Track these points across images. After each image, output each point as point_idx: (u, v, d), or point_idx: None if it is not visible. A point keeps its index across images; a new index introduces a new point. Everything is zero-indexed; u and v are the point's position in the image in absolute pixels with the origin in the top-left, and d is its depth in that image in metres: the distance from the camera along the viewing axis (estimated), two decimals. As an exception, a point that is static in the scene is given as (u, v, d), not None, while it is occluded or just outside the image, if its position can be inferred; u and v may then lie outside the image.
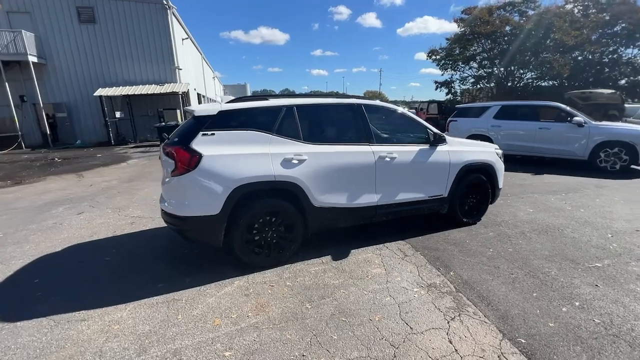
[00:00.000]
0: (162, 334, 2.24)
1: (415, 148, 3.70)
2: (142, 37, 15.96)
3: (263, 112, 3.11)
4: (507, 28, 16.81)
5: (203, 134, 2.85)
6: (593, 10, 16.06)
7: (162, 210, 3.08)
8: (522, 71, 17.17)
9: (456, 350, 2.05)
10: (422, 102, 19.26)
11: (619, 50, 15.54)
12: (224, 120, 2.94)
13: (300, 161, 3.07)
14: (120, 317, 2.43)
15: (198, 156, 2.77)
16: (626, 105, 11.61)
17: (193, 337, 2.20)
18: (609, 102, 10.13)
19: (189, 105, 16.77)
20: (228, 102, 3.15)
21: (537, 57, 15.12)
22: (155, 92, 15.29)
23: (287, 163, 3.02)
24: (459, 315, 2.40)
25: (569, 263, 3.22)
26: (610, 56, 15.32)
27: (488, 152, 4.23)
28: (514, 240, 3.77)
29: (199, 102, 22.49)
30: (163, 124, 14.15)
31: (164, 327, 2.30)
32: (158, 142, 14.64)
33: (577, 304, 2.54)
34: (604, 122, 7.99)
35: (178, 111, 15.74)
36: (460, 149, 3.96)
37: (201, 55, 26.26)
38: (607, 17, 14.91)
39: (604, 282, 2.87)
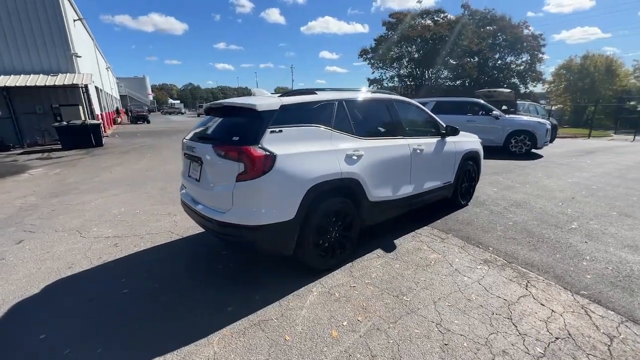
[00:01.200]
0: None
1: (434, 140, 4.02)
2: (24, 14, 12.47)
3: (322, 107, 2.94)
4: (428, 34, 19.29)
5: (271, 131, 2.53)
6: (481, 23, 19.82)
7: (215, 221, 2.62)
8: (439, 72, 20.04)
9: (553, 311, 2.40)
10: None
11: (504, 58, 19.79)
12: (286, 116, 2.67)
13: (359, 157, 3.01)
14: (214, 354, 2.02)
15: (273, 156, 2.46)
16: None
17: (324, 354, 2.00)
18: (506, 99, 12.69)
19: (89, 100, 13.95)
20: (282, 96, 2.86)
21: (451, 60, 17.87)
22: (47, 84, 12.19)
23: (349, 159, 2.93)
24: (528, 282, 2.79)
25: (555, 228, 4.00)
26: (499, 62, 19.34)
27: (476, 142, 4.89)
28: (506, 215, 4.47)
29: (98, 98, 18.93)
30: (64, 123, 11.49)
31: (282, 353, 2.02)
32: (60, 146, 11.84)
33: (587, 258, 3.23)
34: (512, 115, 9.97)
35: (81, 107, 12.98)
36: (460, 140, 4.46)
37: (93, 41, 22.06)
38: (491, 29, 18.62)
39: (587, 238, 3.69)
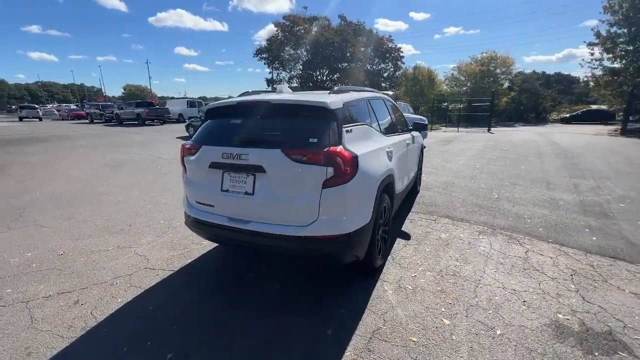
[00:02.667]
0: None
1: (409, 135, 4.51)
2: None
3: (363, 105, 2.89)
4: (322, 38, 20.30)
5: (347, 131, 2.35)
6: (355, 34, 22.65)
7: (293, 237, 2.24)
8: (328, 74, 21.46)
9: (550, 257, 3.20)
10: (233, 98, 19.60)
11: (378, 64, 23.40)
12: (346, 114, 2.52)
13: (391, 153, 3.13)
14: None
15: (356, 157, 2.29)
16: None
17: (462, 342, 2.09)
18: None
19: None
20: (333, 93, 2.64)
21: (338, 64, 19.50)
22: None
23: (388, 155, 3.02)
24: (518, 241, 3.58)
25: (487, 200, 5.18)
26: (373, 67, 22.71)
27: (421, 135, 5.72)
28: (450, 195, 5.46)
29: None
30: None
31: (427, 354, 1.98)
32: None
33: (526, 217, 4.38)
34: (407, 115, 11.91)
35: None
36: (418, 133, 5.14)
37: None
38: (363, 40, 21.58)
39: (511, 203, 4.96)
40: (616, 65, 22.27)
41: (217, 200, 2.57)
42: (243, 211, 2.46)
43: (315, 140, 2.26)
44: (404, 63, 28.71)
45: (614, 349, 2.01)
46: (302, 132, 2.35)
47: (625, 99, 21.46)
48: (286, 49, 21.32)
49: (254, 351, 2.03)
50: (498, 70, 37.59)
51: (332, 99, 2.43)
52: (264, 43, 23.20)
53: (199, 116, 19.72)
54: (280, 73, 23.12)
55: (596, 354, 1.98)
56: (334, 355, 1.99)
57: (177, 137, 14.99)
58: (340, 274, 2.91)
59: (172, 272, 3.01)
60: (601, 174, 6.98)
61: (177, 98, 43.98)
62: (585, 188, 5.81)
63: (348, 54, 17.43)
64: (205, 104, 30.46)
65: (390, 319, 2.31)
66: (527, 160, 8.83)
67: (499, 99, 33.73)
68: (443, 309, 2.41)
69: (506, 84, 38.11)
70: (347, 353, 2.00)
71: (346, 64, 18.44)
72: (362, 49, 18.19)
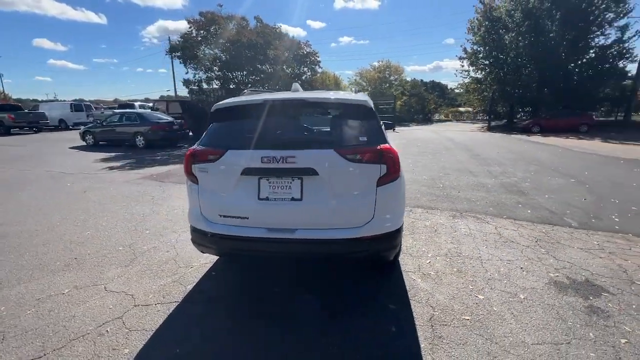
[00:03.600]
0: (494, 329, 2.17)
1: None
2: None
3: None
4: (244, 38, 18.92)
5: (385, 128, 2.36)
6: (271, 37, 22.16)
7: (345, 239, 2.14)
8: (248, 76, 20.18)
9: (513, 229, 3.86)
10: (158, 100, 16.89)
11: (299, 68, 23.37)
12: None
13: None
14: (456, 364, 1.88)
15: (397, 154, 2.33)
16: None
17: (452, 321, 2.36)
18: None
19: None
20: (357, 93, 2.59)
21: (260, 66, 18.56)
22: None
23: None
24: (486, 221, 4.20)
25: (444, 189, 5.91)
26: (295, 71, 22.63)
27: None
28: (411, 187, 6.00)
29: None
30: None
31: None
32: None
33: (479, 202, 5.17)
34: None
35: None
36: None
37: None
38: (279, 43, 21.37)
39: (456, 190, 5.77)
40: (479, 75, 28.01)
41: (253, 211, 2.26)
42: (288, 219, 2.23)
43: (365, 138, 2.22)
44: (321, 67, 30.03)
45: (598, 291, 2.59)
46: (350, 131, 2.28)
47: (487, 103, 27.04)
48: (202, 47, 19.56)
49: (335, 366, 1.89)
50: (392, 78, 42.67)
51: (364, 97, 2.43)
52: (175, 38, 20.85)
53: (92, 121, 16.53)
54: (197, 73, 21.18)
55: (590, 297, 2.51)
56: (411, 348, 2.01)
57: (71, 147, 12.27)
58: (360, 274, 2.91)
59: (177, 303, 2.51)
60: (499, 162, 8.69)
61: (54, 100, 35.78)
62: (496, 173, 7.16)
63: (271, 56, 16.99)
64: (98, 108, 25.33)
65: (436, 304, 2.45)
66: (442, 154, 10.31)
67: (395, 103, 38.38)
68: (471, 287, 2.67)
69: (399, 90, 43.51)
70: (422, 344, 2.04)
71: (266, 67, 18.01)
72: (282, 52, 18.07)
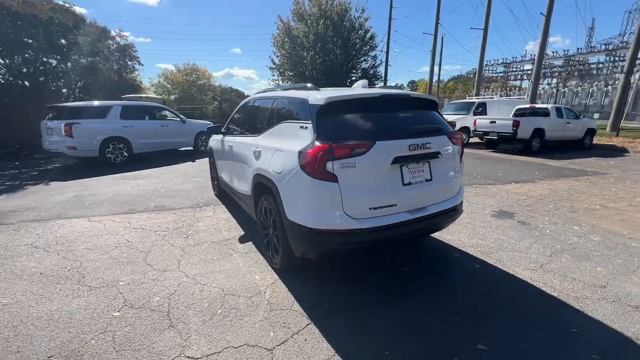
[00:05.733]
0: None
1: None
2: None
3: None
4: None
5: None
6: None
7: (448, 210, 2.72)
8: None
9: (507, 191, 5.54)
10: None
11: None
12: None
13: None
14: (527, 266, 2.98)
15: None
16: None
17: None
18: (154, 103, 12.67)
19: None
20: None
21: (44, 55, 11.95)
22: None
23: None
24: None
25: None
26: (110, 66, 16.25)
27: None
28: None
29: None
30: None
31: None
32: None
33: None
34: (192, 120, 11.10)
35: None
36: None
37: None
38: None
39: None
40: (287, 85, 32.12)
41: (399, 197, 2.42)
42: (423, 199, 2.56)
43: (449, 126, 2.87)
44: (142, 64, 24.09)
45: (512, 214, 4.46)
46: (433, 120, 2.81)
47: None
48: None
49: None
50: (201, 82, 41.06)
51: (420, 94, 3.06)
52: None
53: None
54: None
55: (513, 217, 4.32)
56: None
57: None
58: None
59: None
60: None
61: None
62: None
63: (58, 43, 11.31)
64: None
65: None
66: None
67: (206, 108, 37.38)
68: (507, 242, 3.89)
69: (210, 94, 42.58)
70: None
71: (54, 58, 12.21)
72: (79, 40, 12.87)
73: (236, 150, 3.69)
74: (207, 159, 9.59)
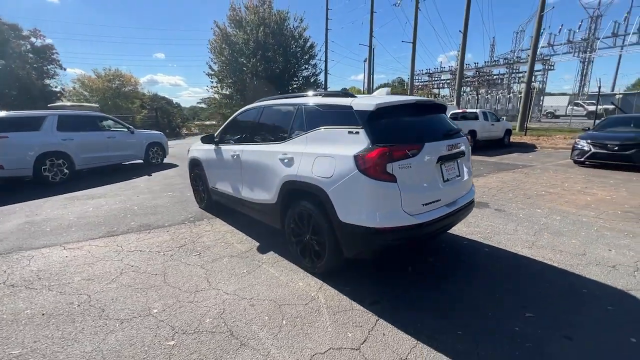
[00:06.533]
0: (503, 228, 3.99)
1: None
2: None
3: None
4: None
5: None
6: None
7: (469, 202, 3.07)
8: None
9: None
10: None
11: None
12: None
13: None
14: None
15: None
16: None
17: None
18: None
19: None
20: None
21: None
22: None
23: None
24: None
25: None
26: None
27: None
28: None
29: None
30: None
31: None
32: None
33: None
34: (141, 130, 10.06)
35: None
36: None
37: None
38: None
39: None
40: (226, 92, 31.08)
41: (442, 193, 2.67)
42: (455, 194, 2.86)
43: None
44: (64, 69, 20.26)
45: (486, 204, 5.11)
46: (454, 123, 3.17)
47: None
48: None
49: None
50: (126, 89, 37.22)
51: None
52: None
53: None
54: None
55: (489, 206, 4.96)
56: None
57: None
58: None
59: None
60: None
61: None
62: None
63: None
64: None
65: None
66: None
67: (134, 117, 34.06)
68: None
69: (137, 102, 38.87)
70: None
71: None
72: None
73: (249, 158, 3.58)
74: (164, 172, 9.01)
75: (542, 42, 28.57)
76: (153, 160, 9.87)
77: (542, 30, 18.99)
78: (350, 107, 2.62)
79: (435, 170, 2.67)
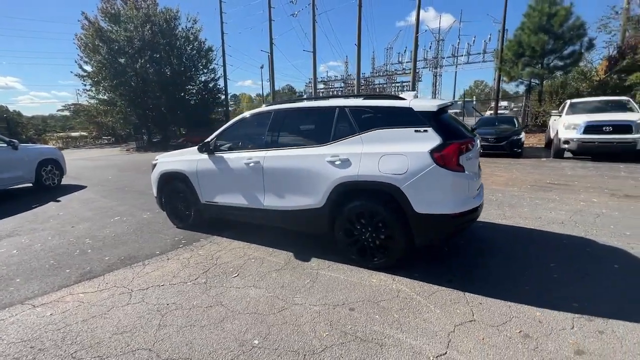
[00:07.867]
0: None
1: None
2: None
3: None
4: None
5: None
6: None
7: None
8: None
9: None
10: None
11: None
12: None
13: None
14: (502, 217, 4.41)
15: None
16: None
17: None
18: None
19: None
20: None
21: None
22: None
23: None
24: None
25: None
26: None
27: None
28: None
29: None
30: None
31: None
32: None
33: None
34: (27, 145, 7.63)
35: None
36: None
37: None
38: None
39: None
40: (105, 97, 26.20)
41: (478, 182, 3.16)
42: (476, 186, 3.36)
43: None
44: None
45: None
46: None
47: (132, 125, 26.43)
48: None
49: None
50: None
51: None
52: None
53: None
54: None
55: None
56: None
57: None
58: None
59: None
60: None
61: None
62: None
63: None
64: None
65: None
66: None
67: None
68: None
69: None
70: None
71: None
72: None
73: (277, 164, 3.37)
74: (76, 195, 7.00)
75: (407, 58, 35.11)
76: (47, 182, 7.71)
77: (417, 48, 22.95)
78: (411, 109, 2.86)
79: (476, 162, 3.17)
